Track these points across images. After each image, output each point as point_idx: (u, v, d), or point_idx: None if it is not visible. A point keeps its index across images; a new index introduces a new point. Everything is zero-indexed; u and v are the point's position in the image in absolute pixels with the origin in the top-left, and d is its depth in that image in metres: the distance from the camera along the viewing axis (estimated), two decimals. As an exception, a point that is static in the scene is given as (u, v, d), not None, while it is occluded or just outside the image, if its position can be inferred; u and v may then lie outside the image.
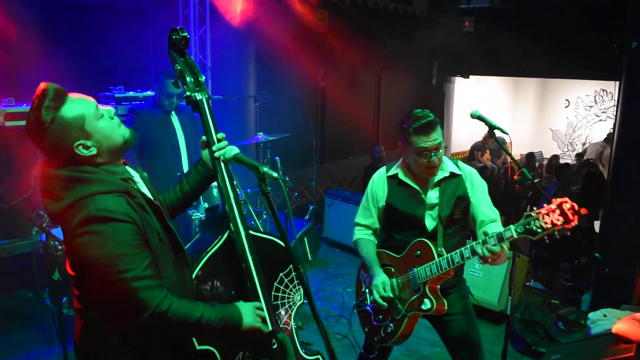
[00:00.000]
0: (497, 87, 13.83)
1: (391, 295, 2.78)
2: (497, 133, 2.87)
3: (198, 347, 2.09)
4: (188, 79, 2.18)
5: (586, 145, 12.20)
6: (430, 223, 2.80)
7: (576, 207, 2.28)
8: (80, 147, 1.74)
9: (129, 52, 5.85)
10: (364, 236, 3.01)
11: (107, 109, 1.85)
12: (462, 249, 2.57)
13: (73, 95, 1.77)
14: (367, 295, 2.95)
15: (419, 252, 2.75)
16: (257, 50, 7.09)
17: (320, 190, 8.09)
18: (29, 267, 4.07)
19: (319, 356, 2.53)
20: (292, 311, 2.44)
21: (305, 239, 5.82)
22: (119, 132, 1.85)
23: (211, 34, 6.53)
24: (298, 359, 2.39)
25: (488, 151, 11.90)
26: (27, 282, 4.78)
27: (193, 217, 4.41)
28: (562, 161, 11.37)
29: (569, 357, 3.40)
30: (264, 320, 2.11)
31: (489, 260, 2.48)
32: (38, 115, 1.69)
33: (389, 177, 2.91)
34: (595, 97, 13.23)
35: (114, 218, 1.69)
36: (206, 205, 4.47)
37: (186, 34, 2.21)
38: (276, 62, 7.45)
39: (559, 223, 2.29)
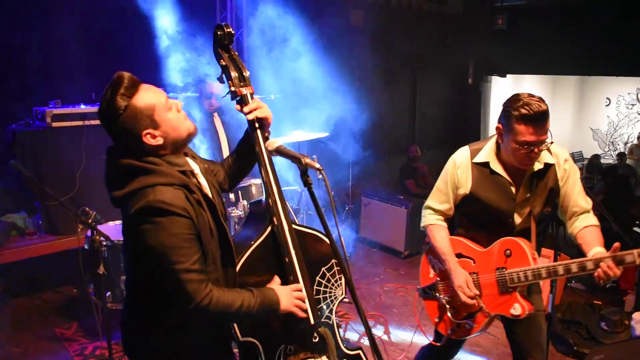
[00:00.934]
0: (535, 86, 13.57)
1: (477, 292, 2.58)
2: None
3: (242, 339, 2.13)
4: (233, 74, 2.20)
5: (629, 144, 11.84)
6: (517, 219, 2.58)
7: None
8: (148, 136, 1.80)
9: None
10: (437, 222, 2.74)
11: (176, 102, 1.91)
12: (571, 264, 2.32)
13: (145, 85, 1.85)
14: (438, 284, 2.77)
15: (508, 251, 2.53)
16: (292, 51, 7.14)
17: (357, 190, 8.10)
18: (74, 262, 4.20)
19: (360, 351, 2.53)
20: (333, 305, 2.44)
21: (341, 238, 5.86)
22: (185, 125, 1.90)
23: (247, 35, 6.62)
24: (339, 353, 2.40)
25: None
26: (73, 277, 4.94)
27: (232, 214, 4.46)
28: (602, 161, 11.09)
29: (613, 358, 3.33)
30: (302, 303, 2.13)
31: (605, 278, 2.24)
32: (112, 101, 1.75)
33: (476, 164, 2.60)
34: (637, 94, 12.88)
35: (172, 211, 1.75)
36: (245, 202, 4.51)
37: (231, 29, 2.22)
38: (311, 62, 7.48)
39: None
